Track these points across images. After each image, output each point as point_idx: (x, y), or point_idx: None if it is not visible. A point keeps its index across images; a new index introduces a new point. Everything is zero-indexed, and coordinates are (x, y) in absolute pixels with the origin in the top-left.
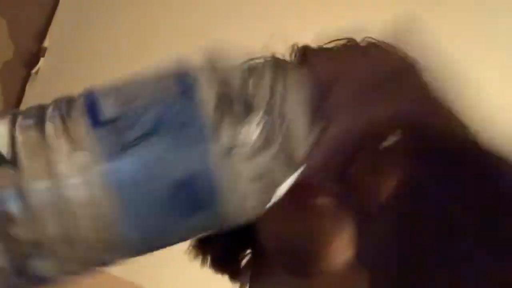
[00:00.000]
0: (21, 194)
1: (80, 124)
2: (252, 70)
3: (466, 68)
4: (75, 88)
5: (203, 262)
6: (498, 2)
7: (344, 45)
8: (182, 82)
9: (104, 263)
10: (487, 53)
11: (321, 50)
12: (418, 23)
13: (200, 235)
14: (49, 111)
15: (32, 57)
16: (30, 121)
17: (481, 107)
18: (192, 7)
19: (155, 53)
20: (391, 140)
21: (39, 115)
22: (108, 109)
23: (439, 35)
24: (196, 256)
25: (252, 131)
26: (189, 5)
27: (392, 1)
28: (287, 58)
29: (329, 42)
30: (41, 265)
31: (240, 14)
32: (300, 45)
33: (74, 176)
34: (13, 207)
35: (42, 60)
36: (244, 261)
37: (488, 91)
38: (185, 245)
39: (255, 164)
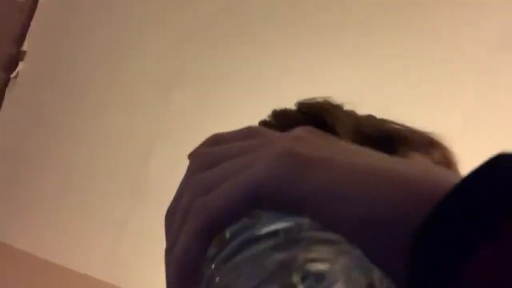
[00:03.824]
0: None
1: None
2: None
3: None
4: (55, 92)
5: None
6: None
7: None
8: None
9: None
10: None
11: None
12: None
13: None
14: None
15: (11, 60)
16: None
17: None
18: (177, 6)
19: (136, 57)
20: None
21: None
22: None
23: None
24: None
25: None
26: (170, 6)
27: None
28: None
29: None
30: None
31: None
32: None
33: None
34: None
35: (21, 63)
36: None
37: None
38: None
39: None
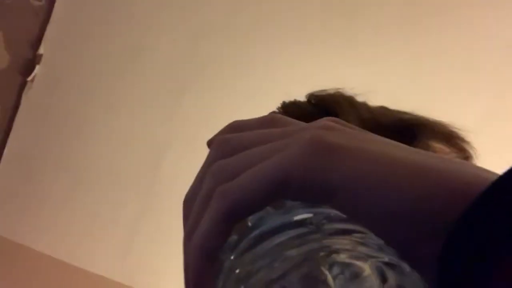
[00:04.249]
0: None
1: None
2: None
3: None
4: (71, 95)
5: None
6: None
7: None
8: None
9: None
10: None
11: None
12: None
13: None
14: None
15: (28, 64)
16: None
17: None
18: (189, 8)
19: (149, 60)
20: None
21: None
22: None
23: None
24: None
25: None
26: (183, 10)
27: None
28: None
29: None
30: None
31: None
32: None
33: None
34: None
35: (37, 67)
36: None
37: None
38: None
39: None
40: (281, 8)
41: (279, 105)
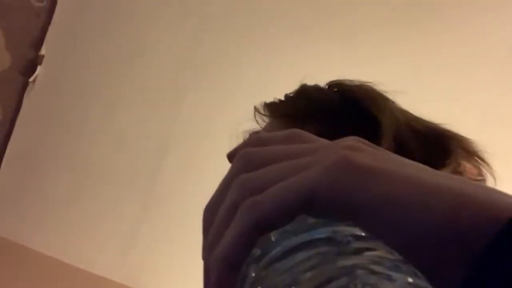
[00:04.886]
0: None
1: None
2: None
3: None
4: (73, 95)
5: None
6: None
7: None
8: None
9: None
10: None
11: None
12: None
13: None
14: None
15: (30, 65)
16: None
17: None
18: (189, 8)
19: (150, 60)
20: None
21: None
22: None
23: None
24: None
25: None
26: (184, 9)
27: None
28: None
29: None
30: None
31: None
32: None
33: None
34: None
35: (39, 68)
36: None
37: None
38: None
39: None
40: (282, 8)
41: (297, 88)
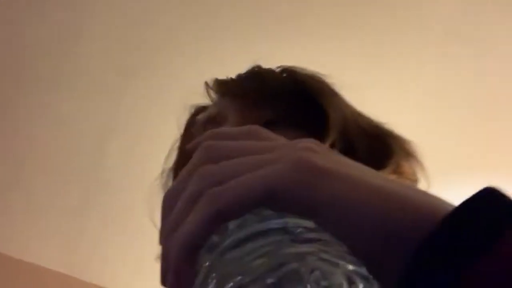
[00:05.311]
0: None
1: None
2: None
3: None
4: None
5: None
6: None
7: None
8: None
9: None
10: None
11: None
12: None
13: None
14: None
15: None
16: None
17: None
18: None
19: (94, 42)
20: None
21: None
22: None
23: None
24: None
25: None
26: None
27: None
28: None
29: None
30: None
31: None
32: None
33: None
34: None
35: None
36: None
37: None
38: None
39: None
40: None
41: (250, 68)
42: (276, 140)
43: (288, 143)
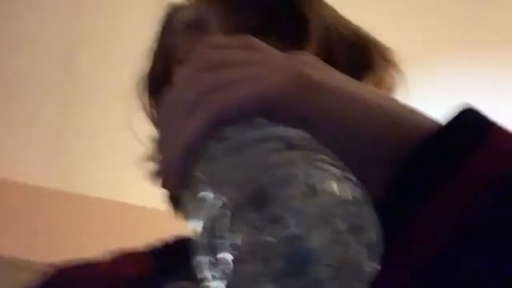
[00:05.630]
0: None
1: None
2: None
3: None
4: None
5: None
6: None
7: None
8: None
9: None
10: None
11: None
12: None
13: None
14: None
15: None
16: None
17: None
18: None
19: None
20: None
21: None
22: None
23: None
24: None
25: None
26: None
27: None
28: None
29: None
30: None
31: None
32: None
33: None
34: None
35: None
36: None
37: None
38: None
39: None
40: None
41: None
42: (271, 51)
43: (286, 55)
